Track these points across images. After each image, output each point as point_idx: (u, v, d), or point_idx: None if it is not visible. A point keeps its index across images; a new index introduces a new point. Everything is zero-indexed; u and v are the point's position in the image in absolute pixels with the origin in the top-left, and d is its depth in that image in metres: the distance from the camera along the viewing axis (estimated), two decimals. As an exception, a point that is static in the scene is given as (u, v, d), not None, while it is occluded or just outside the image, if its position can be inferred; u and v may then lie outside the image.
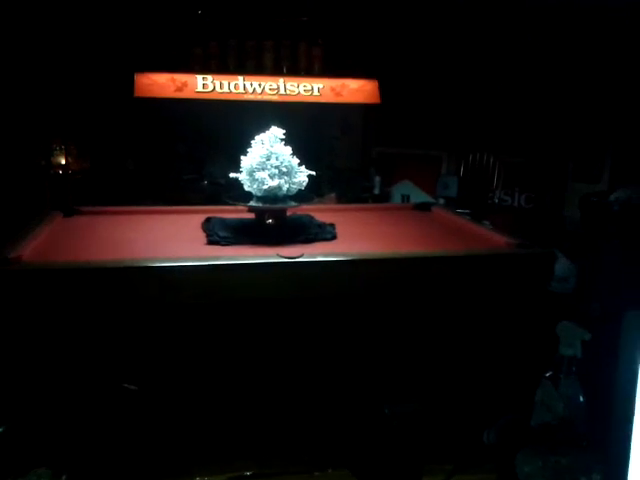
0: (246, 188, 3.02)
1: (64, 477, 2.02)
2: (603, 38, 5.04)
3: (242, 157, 2.96)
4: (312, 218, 3.38)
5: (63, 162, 5.21)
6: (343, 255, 2.63)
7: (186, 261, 2.45)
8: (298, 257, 2.56)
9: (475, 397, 2.56)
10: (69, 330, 2.36)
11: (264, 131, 2.98)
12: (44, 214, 3.31)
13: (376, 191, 6.02)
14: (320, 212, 3.55)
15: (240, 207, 3.52)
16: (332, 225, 3.29)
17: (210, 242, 2.90)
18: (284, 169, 2.93)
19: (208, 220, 3.32)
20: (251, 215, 3.37)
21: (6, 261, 2.35)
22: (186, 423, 2.47)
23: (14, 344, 2.27)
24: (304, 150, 5.78)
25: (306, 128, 5.64)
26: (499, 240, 3.08)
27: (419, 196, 5.99)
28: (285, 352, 2.56)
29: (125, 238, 2.95)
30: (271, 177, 2.85)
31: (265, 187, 2.80)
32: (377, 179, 6.02)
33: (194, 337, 2.49)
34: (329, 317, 2.60)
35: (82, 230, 3.11)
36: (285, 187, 2.90)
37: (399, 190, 6.12)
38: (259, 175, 2.81)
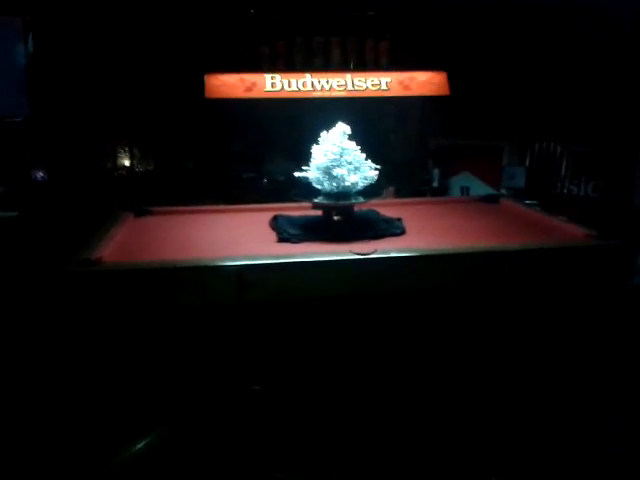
0: (316, 185, 3.01)
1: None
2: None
3: (313, 154, 2.95)
4: (378, 213, 3.35)
5: (128, 164, 5.35)
6: (417, 251, 2.60)
7: (264, 259, 2.46)
8: (371, 253, 2.54)
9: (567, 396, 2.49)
10: (152, 329, 2.41)
11: (322, 128, 2.97)
12: (116, 215, 3.39)
13: (435, 184, 5.93)
14: (383, 207, 3.52)
15: (305, 204, 3.55)
16: (399, 220, 3.25)
17: (281, 240, 2.91)
18: (357, 164, 2.93)
19: (275, 218, 3.33)
20: (317, 212, 3.39)
21: (89, 262, 2.41)
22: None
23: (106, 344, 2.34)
24: (360, 145, 5.76)
25: (361, 122, 5.60)
26: (577, 232, 2.98)
27: (479, 188, 5.85)
28: (365, 347, 2.55)
29: (200, 237, 3.00)
30: (349, 173, 2.84)
31: (347, 184, 2.80)
32: (436, 171, 5.92)
33: (271, 335, 2.51)
34: (404, 313, 2.58)
35: (156, 230, 3.17)
36: (360, 183, 2.90)
37: (458, 182, 6.00)
38: (338, 172, 2.81)
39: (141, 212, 3.50)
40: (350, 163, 2.91)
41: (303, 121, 5.32)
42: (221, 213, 3.64)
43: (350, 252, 2.55)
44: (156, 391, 2.43)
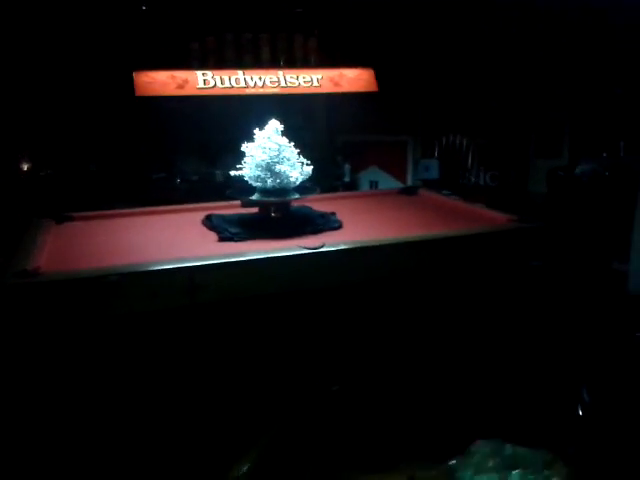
0: (254, 183, 2.99)
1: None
2: (556, 22, 5.27)
3: (249, 151, 2.94)
4: (311, 209, 3.40)
5: (26, 168, 4.97)
6: (364, 242, 2.67)
7: (215, 259, 2.42)
8: (320, 247, 2.58)
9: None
10: (101, 338, 2.29)
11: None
12: (36, 222, 3.17)
13: (347, 179, 6.07)
14: (312, 202, 3.57)
15: (234, 203, 3.53)
16: (334, 214, 3.32)
17: (223, 239, 2.87)
18: (294, 160, 2.95)
19: (209, 218, 3.27)
20: (250, 210, 3.38)
21: (26, 273, 2.25)
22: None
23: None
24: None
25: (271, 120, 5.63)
26: (499, 217, 3.20)
27: (387, 182, 6.09)
28: (321, 339, 2.58)
29: (134, 242, 2.88)
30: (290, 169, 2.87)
31: (291, 179, 2.81)
32: (347, 167, 6.06)
33: (227, 334, 2.47)
34: (356, 303, 2.64)
35: (84, 236, 3.00)
36: (300, 178, 2.93)
37: (367, 177, 6.20)
38: (280, 168, 2.81)
39: (62, 218, 3.29)
40: (289, 159, 2.93)
41: (214, 120, 5.24)
42: (147, 215, 3.51)
43: (299, 247, 2.57)
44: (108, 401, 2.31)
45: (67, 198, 5.15)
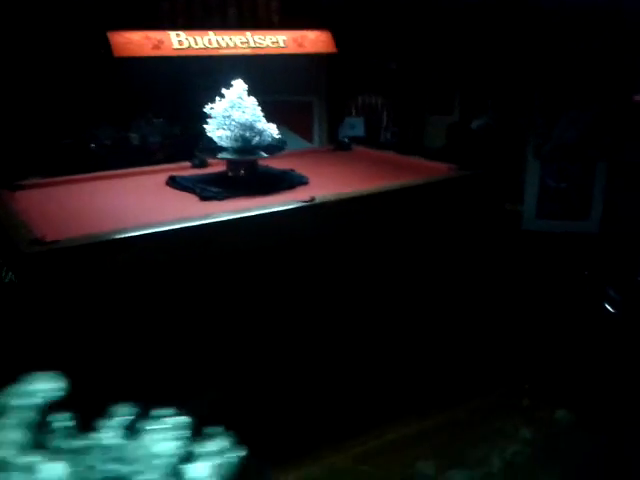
0: (226, 142, 3.05)
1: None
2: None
3: (223, 111, 3.00)
4: (270, 167, 3.53)
5: None
6: (349, 194, 2.90)
7: (229, 215, 2.52)
8: (314, 200, 2.77)
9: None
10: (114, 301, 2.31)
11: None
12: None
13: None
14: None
15: (183, 164, 3.58)
16: (293, 170, 3.49)
17: (204, 198, 2.92)
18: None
19: (173, 179, 3.28)
20: (206, 170, 3.45)
21: (38, 242, 2.19)
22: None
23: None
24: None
25: (175, 82, 5.52)
26: (441, 167, 3.58)
27: (296, 142, 6.24)
28: (315, 285, 2.79)
29: (117, 205, 2.85)
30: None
31: (276, 136, 2.93)
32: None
33: (239, 287, 2.59)
34: (345, 249, 2.88)
35: (54, 202, 2.90)
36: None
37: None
38: (262, 126, 2.91)
39: (15, 187, 3.11)
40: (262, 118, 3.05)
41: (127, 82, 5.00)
42: (102, 180, 3.40)
43: (296, 201, 2.74)
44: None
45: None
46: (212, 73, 5.83)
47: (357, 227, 2.87)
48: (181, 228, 2.38)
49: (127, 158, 5.05)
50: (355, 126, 5.69)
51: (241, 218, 2.53)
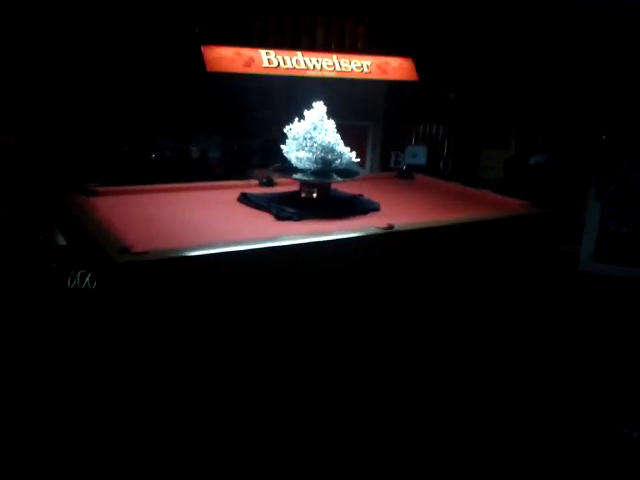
0: (306, 165, 3.05)
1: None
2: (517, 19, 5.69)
3: (297, 134, 3.02)
4: (338, 190, 3.51)
5: None
6: (427, 223, 2.88)
7: (304, 238, 2.51)
8: (393, 228, 2.74)
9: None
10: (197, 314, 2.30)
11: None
12: (68, 197, 3.02)
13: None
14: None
15: (252, 182, 3.62)
16: (362, 196, 3.47)
17: (281, 218, 2.91)
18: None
19: (245, 196, 3.29)
20: (275, 189, 3.47)
21: (127, 251, 2.19)
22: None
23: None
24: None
25: (232, 101, 5.58)
26: (513, 203, 3.53)
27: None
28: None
29: (196, 219, 2.86)
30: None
31: (354, 160, 2.94)
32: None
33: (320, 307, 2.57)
34: (424, 277, 2.85)
35: (135, 211, 2.92)
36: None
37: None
38: (341, 149, 2.92)
39: (89, 192, 3.15)
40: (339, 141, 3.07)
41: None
42: (176, 192, 3.43)
43: (375, 227, 2.71)
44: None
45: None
46: (268, 92, 5.92)
47: (427, 256, 2.85)
48: (268, 247, 2.36)
49: (186, 171, 5.12)
50: (417, 154, 5.67)
51: (325, 241, 2.51)
